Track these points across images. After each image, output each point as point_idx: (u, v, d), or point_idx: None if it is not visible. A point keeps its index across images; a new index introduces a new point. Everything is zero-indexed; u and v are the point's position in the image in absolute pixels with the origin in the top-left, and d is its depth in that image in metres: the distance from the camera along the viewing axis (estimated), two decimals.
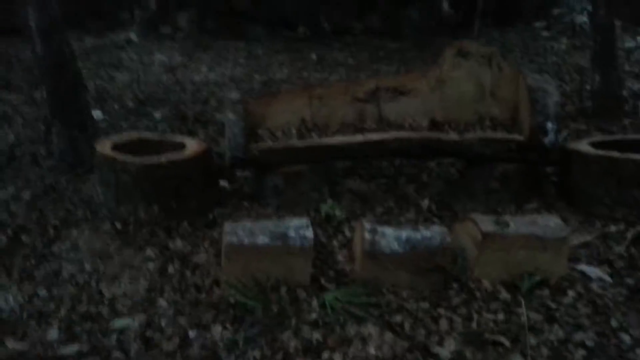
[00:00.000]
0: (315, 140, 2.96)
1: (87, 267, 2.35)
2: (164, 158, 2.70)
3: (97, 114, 4.00)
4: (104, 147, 2.81)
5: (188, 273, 2.31)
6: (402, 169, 3.24)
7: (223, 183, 3.12)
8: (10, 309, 2.08)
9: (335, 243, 2.51)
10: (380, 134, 2.95)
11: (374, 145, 2.88)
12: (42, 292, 2.20)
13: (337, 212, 2.77)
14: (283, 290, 2.13)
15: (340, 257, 2.39)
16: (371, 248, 2.18)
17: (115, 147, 2.84)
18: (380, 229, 2.26)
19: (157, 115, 4.22)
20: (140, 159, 2.68)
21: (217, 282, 2.21)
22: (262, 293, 2.10)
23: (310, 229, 2.27)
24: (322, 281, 2.22)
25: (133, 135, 3.17)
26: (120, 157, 2.70)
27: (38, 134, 3.73)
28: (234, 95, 4.63)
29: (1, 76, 4.99)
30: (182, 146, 2.91)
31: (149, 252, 2.45)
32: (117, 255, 2.42)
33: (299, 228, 2.26)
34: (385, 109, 3.20)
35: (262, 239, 2.19)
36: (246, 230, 2.25)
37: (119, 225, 2.62)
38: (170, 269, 2.33)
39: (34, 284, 2.25)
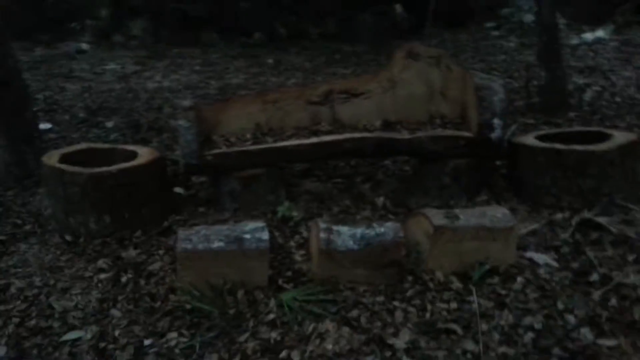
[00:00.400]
0: (268, 143, 2.97)
1: (37, 281, 2.29)
2: (113, 168, 2.65)
3: (46, 125, 3.90)
4: (52, 159, 2.74)
5: (142, 282, 2.27)
6: (357, 169, 3.27)
7: (178, 190, 3.08)
8: None
9: (292, 244, 2.52)
10: (333, 135, 2.98)
11: (328, 147, 2.89)
12: None
13: (294, 213, 2.77)
14: (240, 293, 2.12)
15: (297, 258, 2.40)
16: (327, 247, 2.20)
17: (64, 158, 2.77)
18: (335, 227, 2.28)
19: (110, 124, 4.14)
20: (88, 170, 2.63)
21: (172, 290, 2.18)
22: (218, 297, 2.08)
23: (266, 231, 2.27)
24: (280, 282, 2.21)
25: (83, 146, 3.11)
26: (68, 168, 2.64)
27: None
28: (188, 102, 4.62)
29: None
30: (133, 155, 2.87)
31: (101, 263, 2.40)
32: (67, 268, 2.36)
33: (254, 231, 2.26)
34: (340, 112, 3.24)
35: (216, 244, 2.18)
36: (200, 236, 2.23)
37: (69, 238, 2.56)
38: (124, 279, 2.29)
39: None
